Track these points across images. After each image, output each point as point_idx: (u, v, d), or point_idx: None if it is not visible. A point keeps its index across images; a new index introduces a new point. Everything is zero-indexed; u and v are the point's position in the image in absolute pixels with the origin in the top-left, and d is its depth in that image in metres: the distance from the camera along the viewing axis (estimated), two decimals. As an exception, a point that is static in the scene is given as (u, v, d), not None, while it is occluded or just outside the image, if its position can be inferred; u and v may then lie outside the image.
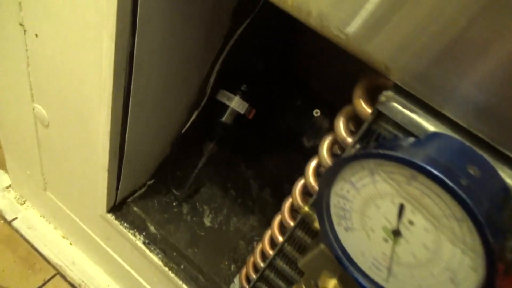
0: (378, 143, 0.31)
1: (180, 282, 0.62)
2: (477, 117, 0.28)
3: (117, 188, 0.63)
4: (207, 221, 0.68)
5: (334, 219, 0.33)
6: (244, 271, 0.60)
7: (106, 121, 0.50)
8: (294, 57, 0.85)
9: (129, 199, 0.67)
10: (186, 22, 0.50)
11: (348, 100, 0.36)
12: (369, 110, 0.34)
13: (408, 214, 0.28)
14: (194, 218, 0.68)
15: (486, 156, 0.28)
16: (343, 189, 0.31)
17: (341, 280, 0.37)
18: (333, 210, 0.33)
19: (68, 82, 0.52)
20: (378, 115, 0.32)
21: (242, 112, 0.66)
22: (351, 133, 0.37)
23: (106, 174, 0.58)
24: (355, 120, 0.39)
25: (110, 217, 0.66)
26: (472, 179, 0.25)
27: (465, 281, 0.26)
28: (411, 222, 0.28)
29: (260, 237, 0.53)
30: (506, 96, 0.26)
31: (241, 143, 0.78)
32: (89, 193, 0.65)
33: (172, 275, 0.63)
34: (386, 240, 0.30)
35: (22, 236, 0.84)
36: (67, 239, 0.85)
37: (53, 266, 0.82)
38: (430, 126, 0.30)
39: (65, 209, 0.77)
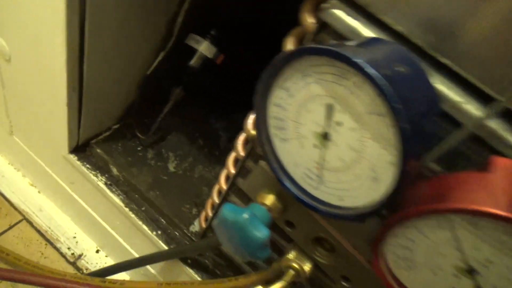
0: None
1: (140, 223, 0.62)
2: (418, 24, 0.27)
3: (79, 127, 0.62)
4: (171, 167, 0.68)
5: (272, 131, 0.33)
6: (203, 213, 0.60)
7: (62, 49, 0.49)
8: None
9: (93, 141, 0.66)
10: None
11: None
12: (313, 21, 0.33)
13: (336, 115, 0.28)
14: (158, 163, 0.68)
15: (423, 63, 0.28)
16: (278, 97, 0.31)
17: (279, 195, 0.37)
18: (270, 122, 0.33)
19: (26, 9, 0.51)
20: (322, 26, 0.32)
21: (210, 56, 0.65)
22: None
23: (66, 109, 0.57)
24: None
25: (73, 157, 0.65)
26: (397, 73, 0.25)
27: (384, 177, 0.27)
28: (338, 123, 0.28)
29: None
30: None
31: (211, 93, 0.77)
32: (52, 132, 0.65)
33: (133, 215, 0.63)
34: (316, 146, 0.30)
35: (-12, 182, 0.84)
36: (35, 186, 0.85)
37: (20, 212, 0.82)
38: (370, 34, 0.30)
39: (31, 153, 0.76)
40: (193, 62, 0.65)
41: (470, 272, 0.28)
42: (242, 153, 0.46)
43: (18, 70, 0.61)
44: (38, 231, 0.81)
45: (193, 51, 0.65)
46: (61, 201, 0.81)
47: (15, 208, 0.82)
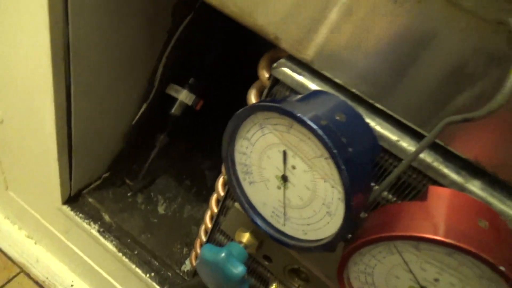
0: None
1: (134, 266, 0.65)
2: (353, 76, 0.32)
3: (70, 179, 0.65)
4: (161, 209, 0.71)
5: (240, 176, 0.37)
6: (193, 252, 0.63)
7: (51, 111, 0.53)
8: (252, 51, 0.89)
9: (84, 191, 0.70)
10: (125, 18, 0.54)
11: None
12: (268, 76, 0.38)
13: (290, 159, 0.32)
14: (148, 207, 0.71)
15: (361, 109, 0.33)
16: (242, 146, 0.35)
17: (254, 233, 0.40)
18: (238, 167, 0.37)
19: (16, 75, 0.55)
20: (275, 81, 0.37)
21: (189, 104, 0.70)
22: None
23: (57, 164, 0.61)
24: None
25: (66, 208, 0.68)
26: (335, 122, 0.29)
27: (337, 211, 0.30)
28: (293, 167, 0.32)
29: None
30: (375, 56, 0.30)
31: (195, 135, 0.82)
32: (45, 185, 0.68)
33: (126, 260, 0.65)
34: (279, 187, 0.34)
35: (-15, 237, 0.86)
36: (32, 238, 0.87)
37: (17, 265, 0.84)
38: (314, 86, 0.34)
39: (26, 207, 0.79)
40: (174, 110, 0.69)
41: (423, 291, 0.31)
42: (222, 193, 0.50)
43: (11, 131, 0.65)
44: (36, 282, 0.83)
45: (173, 99, 0.70)
46: (57, 251, 0.83)
47: (13, 261, 0.84)
